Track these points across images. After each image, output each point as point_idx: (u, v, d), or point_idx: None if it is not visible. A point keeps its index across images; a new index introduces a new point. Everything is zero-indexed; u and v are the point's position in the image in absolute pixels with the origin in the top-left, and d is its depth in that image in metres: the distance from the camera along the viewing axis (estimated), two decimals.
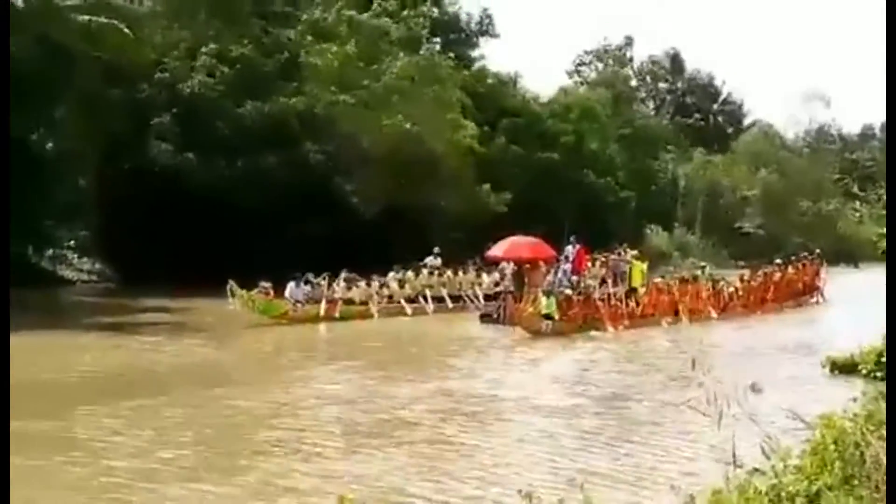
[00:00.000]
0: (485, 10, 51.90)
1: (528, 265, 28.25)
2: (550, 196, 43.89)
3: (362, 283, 27.24)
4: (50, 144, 30.85)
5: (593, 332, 23.35)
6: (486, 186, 40.85)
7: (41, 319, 23.27)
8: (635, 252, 29.14)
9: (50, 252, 36.64)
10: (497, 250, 29.60)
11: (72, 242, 39.05)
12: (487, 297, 28.84)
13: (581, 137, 50.87)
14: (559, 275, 27.66)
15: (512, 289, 27.15)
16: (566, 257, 28.57)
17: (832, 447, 4.54)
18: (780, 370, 16.87)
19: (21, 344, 19.50)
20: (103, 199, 36.75)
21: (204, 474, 10.20)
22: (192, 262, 29.95)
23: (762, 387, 4.81)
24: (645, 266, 28.23)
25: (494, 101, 47.35)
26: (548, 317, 23.18)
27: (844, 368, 15.52)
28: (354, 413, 13.49)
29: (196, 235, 32.94)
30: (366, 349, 20.87)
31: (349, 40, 37.62)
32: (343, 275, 27.05)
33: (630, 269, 27.40)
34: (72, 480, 9.98)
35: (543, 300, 23.51)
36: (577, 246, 28.93)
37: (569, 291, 24.86)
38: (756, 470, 4.29)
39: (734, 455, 4.19)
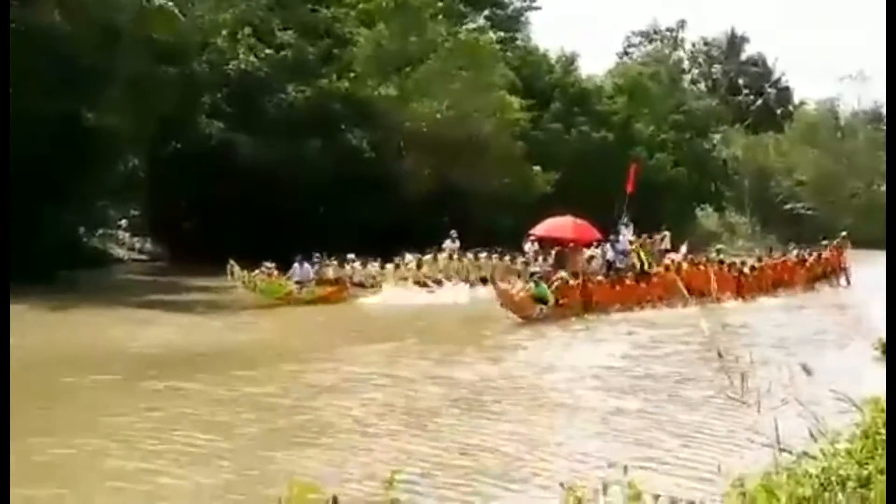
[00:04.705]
0: None
1: (570, 246, 27.97)
2: (600, 175, 43.48)
3: (376, 265, 27.13)
4: (102, 124, 31.15)
5: (594, 316, 22.70)
6: (537, 168, 40.70)
7: (100, 297, 24.00)
8: (632, 237, 28.29)
9: (101, 231, 37.09)
10: (540, 229, 29.36)
11: (123, 222, 39.52)
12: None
13: (632, 117, 50.51)
14: (614, 254, 27.30)
15: (550, 269, 26.80)
16: (616, 238, 28.13)
17: (883, 430, 4.49)
18: (821, 353, 16.73)
19: (97, 319, 20.64)
20: (154, 179, 37.20)
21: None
22: (241, 242, 30.15)
23: (811, 369, 4.74)
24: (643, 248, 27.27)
25: (546, 81, 47.14)
26: (541, 300, 22.50)
27: None
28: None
29: (244, 216, 33.20)
30: (406, 328, 20.70)
31: (387, 20, 37.55)
32: (350, 256, 26.96)
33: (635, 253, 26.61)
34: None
35: (532, 285, 22.91)
36: (631, 226, 28.51)
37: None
38: (805, 454, 4.25)
39: (778, 439, 4.16)
